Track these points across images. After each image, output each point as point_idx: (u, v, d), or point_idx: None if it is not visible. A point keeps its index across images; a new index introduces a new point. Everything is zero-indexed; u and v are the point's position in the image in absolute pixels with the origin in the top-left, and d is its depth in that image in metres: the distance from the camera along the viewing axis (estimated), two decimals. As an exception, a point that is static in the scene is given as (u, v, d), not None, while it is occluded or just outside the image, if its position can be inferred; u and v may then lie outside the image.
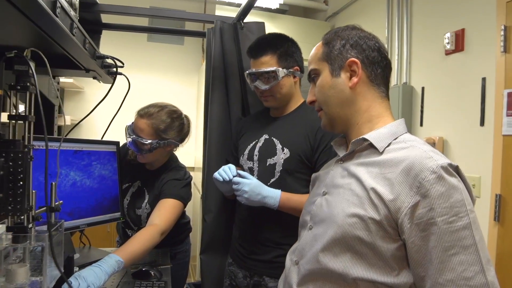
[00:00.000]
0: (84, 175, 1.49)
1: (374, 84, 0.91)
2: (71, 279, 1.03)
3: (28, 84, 0.85)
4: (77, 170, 1.46)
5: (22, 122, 0.85)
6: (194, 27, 3.41)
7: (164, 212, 1.48)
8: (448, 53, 2.18)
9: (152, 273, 1.39)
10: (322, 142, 1.33)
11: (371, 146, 0.87)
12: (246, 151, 1.50)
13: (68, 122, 3.16)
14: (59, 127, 3.26)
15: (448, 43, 2.14)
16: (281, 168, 1.37)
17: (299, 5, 3.54)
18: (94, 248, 1.65)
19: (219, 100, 1.73)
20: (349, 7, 3.17)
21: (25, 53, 0.89)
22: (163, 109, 1.59)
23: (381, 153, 0.84)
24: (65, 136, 1.42)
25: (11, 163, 0.71)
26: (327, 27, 3.39)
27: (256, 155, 1.45)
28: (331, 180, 0.93)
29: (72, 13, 1.04)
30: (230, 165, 1.37)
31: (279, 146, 1.41)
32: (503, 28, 1.85)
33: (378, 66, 0.90)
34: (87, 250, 1.63)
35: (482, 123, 1.98)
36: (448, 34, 2.14)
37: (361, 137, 0.88)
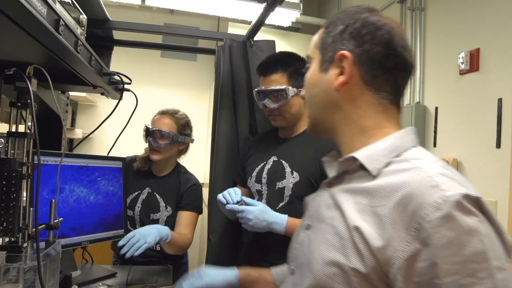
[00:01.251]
0: (89, 191, 1.48)
1: (371, 87, 0.69)
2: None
3: (28, 101, 0.85)
4: (82, 186, 1.45)
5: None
6: (207, 45, 3.44)
7: (190, 228, 1.69)
8: (462, 73, 2.13)
9: (153, 293, 1.36)
10: None
11: (363, 167, 0.66)
12: (254, 173, 1.46)
13: (79, 135, 3.19)
14: (71, 140, 3.31)
15: (462, 62, 2.10)
16: (290, 192, 1.34)
17: (312, 23, 3.54)
18: (96, 264, 1.62)
19: (227, 117, 1.72)
20: (362, 25, 3.16)
21: (27, 70, 0.89)
22: (180, 110, 1.82)
23: (376, 176, 0.63)
24: (74, 148, 1.42)
25: (4, 182, 0.70)
26: (340, 45, 3.38)
27: (264, 178, 1.42)
28: (316, 209, 0.74)
29: (78, 30, 1.04)
30: (236, 189, 1.34)
31: (288, 169, 1.37)
32: (519, 48, 1.80)
33: (380, 65, 0.68)
34: (89, 266, 1.60)
35: (498, 145, 1.91)
36: (462, 54, 2.09)
37: (350, 155, 0.68)
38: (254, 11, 2.08)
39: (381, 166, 0.64)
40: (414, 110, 2.37)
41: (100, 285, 1.40)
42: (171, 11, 3.69)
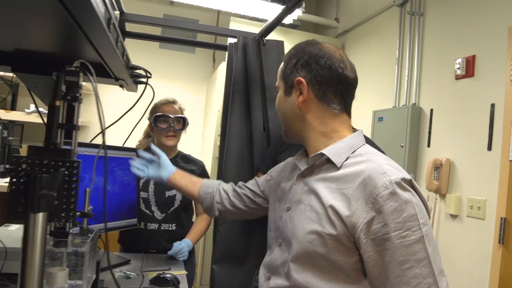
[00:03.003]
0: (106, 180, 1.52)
1: (323, 102, 0.92)
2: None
3: (77, 94, 0.89)
4: (100, 175, 1.49)
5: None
6: (205, 38, 3.46)
7: None
8: (458, 77, 2.25)
9: (169, 279, 1.41)
10: None
11: (330, 161, 0.88)
12: None
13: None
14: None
15: (459, 68, 2.21)
16: None
17: (311, 21, 3.61)
18: (110, 252, 1.66)
19: (239, 112, 1.78)
20: (361, 26, 3.24)
21: (74, 64, 0.93)
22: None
23: (339, 168, 0.86)
24: (93, 139, 1.45)
25: (66, 172, 0.75)
26: (337, 44, 3.46)
27: None
28: (294, 195, 0.96)
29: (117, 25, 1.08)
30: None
31: None
32: (513, 57, 1.91)
33: (327, 85, 0.91)
34: (102, 253, 1.64)
35: (489, 147, 2.04)
36: (459, 60, 2.21)
37: (319, 152, 0.90)
38: (255, 7, 2.12)
39: (343, 160, 0.87)
40: (410, 111, 2.48)
41: (118, 272, 1.45)
42: (171, 3, 3.68)
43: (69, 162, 0.75)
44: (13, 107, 3.10)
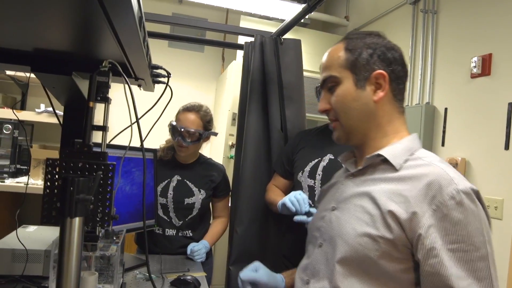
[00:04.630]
0: (125, 181, 1.51)
1: (397, 99, 0.88)
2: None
3: (107, 95, 0.88)
4: (120, 176, 1.48)
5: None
6: (212, 37, 3.44)
7: (226, 210, 1.91)
8: (474, 76, 2.22)
9: (190, 281, 1.40)
10: None
11: (386, 162, 0.83)
12: (308, 168, 1.46)
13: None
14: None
15: (474, 66, 2.19)
16: None
17: (320, 19, 3.59)
18: (126, 253, 1.65)
19: (256, 111, 1.76)
20: (371, 24, 3.22)
21: (103, 63, 0.92)
22: (203, 105, 1.83)
23: (398, 170, 0.81)
24: (112, 140, 1.43)
25: (102, 175, 0.73)
26: (347, 43, 3.43)
27: (319, 174, 1.42)
28: (341, 195, 0.90)
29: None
30: (303, 196, 1.29)
31: None
32: (532, 55, 1.89)
33: (401, 81, 0.87)
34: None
35: (507, 147, 2.02)
36: (475, 58, 2.18)
37: (376, 153, 0.84)
38: (267, 6, 2.10)
39: (402, 162, 0.81)
40: (423, 110, 2.46)
41: (138, 274, 1.43)
42: (180, 1, 3.67)
43: (104, 165, 0.74)
44: (23, 107, 3.09)
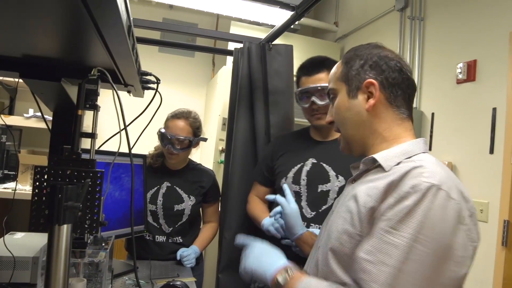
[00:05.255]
0: (114, 187, 1.51)
1: (393, 105, 0.87)
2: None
3: (96, 103, 0.88)
4: (109, 182, 1.48)
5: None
6: (203, 43, 3.46)
7: (216, 216, 1.91)
8: (459, 82, 2.27)
9: (180, 286, 1.40)
10: None
11: (380, 165, 0.83)
12: (291, 174, 1.46)
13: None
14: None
15: (460, 72, 2.23)
16: (336, 195, 1.36)
17: (311, 25, 3.63)
18: (115, 259, 1.65)
19: (245, 117, 1.78)
20: (360, 30, 3.27)
21: (92, 72, 0.92)
22: (192, 111, 1.82)
23: (387, 171, 0.80)
24: (101, 146, 1.43)
25: (90, 182, 0.74)
26: (336, 48, 3.48)
27: (303, 180, 1.42)
28: (340, 198, 0.94)
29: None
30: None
31: (332, 173, 1.39)
32: (515, 62, 1.94)
33: (398, 88, 0.87)
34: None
35: (491, 151, 2.06)
36: (460, 64, 2.23)
37: (370, 156, 0.86)
38: (257, 12, 2.12)
39: (393, 164, 0.81)
40: (411, 115, 2.50)
41: (127, 280, 1.43)
42: (170, 6, 3.67)
43: (93, 173, 0.74)
44: (11, 112, 3.06)
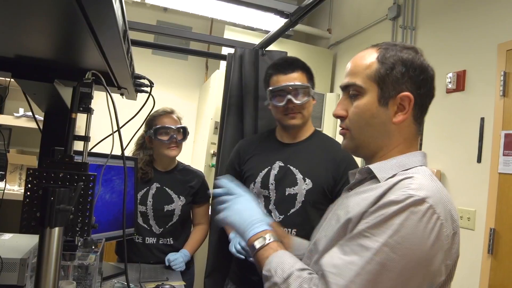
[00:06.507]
0: (105, 189, 1.50)
1: (417, 123, 0.83)
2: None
3: (90, 106, 0.89)
4: (100, 185, 1.47)
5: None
6: (198, 46, 3.47)
7: (206, 217, 1.91)
8: (449, 91, 2.31)
9: (169, 291, 1.40)
10: (345, 174, 1.36)
11: (375, 176, 0.81)
12: (259, 179, 1.44)
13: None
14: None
15: (449, 82, 2.27)
16: (303, 198, 1.36)
17: (304, 31, 3.66)
18: (105, 262, 1.64)
19: (233, 124, 1.79)
20: (353, 37, 3.30)
21: (87, 75, 0.93)
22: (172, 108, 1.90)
23: (381, 182, 0.78)
24: (93, 147, 1.42)
25: (83, 185, 0.74)
26: (329, 54, 3.51)
27: (272, 184, 1.41)
28: (333, 206, 0.92)
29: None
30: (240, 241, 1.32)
31: (299, 176, 1.38)
32: (502, 74, 1.98)
33: (426, 107, 0.83)
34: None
35: (479, 160, 2.10)
36: (450, 74, 2.27)
37: (366, 166, 0.83)
38: (251, 17, 2.15)
39: (388, 176, 0.78)
40: (401, 123, 2.53)
41: (116, 283, 1.43)
42: (165, 9, 3.68)
43: (85, 176, 0.75)
44: (1, 111, 3.03)
